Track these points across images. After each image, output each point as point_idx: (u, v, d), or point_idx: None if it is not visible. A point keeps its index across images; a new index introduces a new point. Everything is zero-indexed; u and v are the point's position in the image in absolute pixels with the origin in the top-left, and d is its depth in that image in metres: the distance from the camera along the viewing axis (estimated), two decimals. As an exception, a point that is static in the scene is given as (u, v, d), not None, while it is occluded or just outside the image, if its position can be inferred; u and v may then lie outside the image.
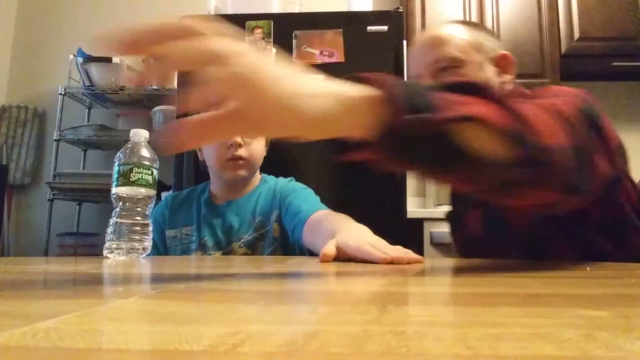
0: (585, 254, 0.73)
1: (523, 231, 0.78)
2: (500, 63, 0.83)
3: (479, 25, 0.88)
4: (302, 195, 1.05)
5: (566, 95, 0.62)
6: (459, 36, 0.81)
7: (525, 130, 0.43)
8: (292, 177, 1.16)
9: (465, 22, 0.86)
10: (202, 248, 1.03)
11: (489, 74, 0.81)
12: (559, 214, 0.60)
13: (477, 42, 0.82)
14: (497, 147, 0.42)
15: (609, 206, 0.71)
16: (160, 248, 1.06)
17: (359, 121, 0.40)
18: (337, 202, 1.51)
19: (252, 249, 1.03)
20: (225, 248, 1.03)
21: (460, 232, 0.94)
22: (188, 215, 1.08)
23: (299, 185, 1.11)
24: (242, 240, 1.03)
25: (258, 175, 1.14)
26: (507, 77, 0.83)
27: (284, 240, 1.04)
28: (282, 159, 1.51)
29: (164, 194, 1.26)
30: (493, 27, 2.07)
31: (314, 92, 0.38)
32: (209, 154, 1.07)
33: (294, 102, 0.37)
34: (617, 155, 0.67)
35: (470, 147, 0.42)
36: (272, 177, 1.15)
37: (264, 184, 1.11)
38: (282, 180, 1.13)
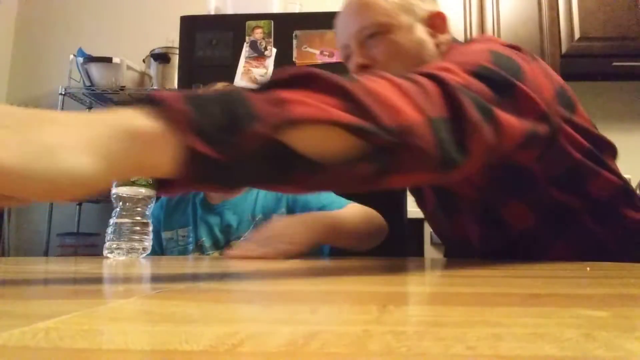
0: (545, 212, 0.69)
1: (473, 198, 0.74)
2: (434, 22, 0.76)
3: None
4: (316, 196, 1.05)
5: (471, 54, 0.58)
6: None
7: (367, 117, 0.38)
8: None
9: None
10: (200, 249, 1.03)
11: (422, 36, 0.74)
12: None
13: (406, 2, 0.75)
14: (341, 143, 0.38)
15: (555, 158, 0.66)
16: (157, 249, 1.06)
17: (148, 161, 0.31)
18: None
19: None
20: (224, 247, 1.03)
21: (424, 206, 0.91)
22: (184, 216, 1.08)
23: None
24: (242, 239, 1.03)
25: None
26: (443, 37, 0.76)
27: None
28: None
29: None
30: (493, 27, 2.07)
31: (65, 144, 0.27)
32: None
33: (33, 170, 0.26)
34: (551, 104, 0.62)
35: (307, 150, 0.37)
36: None
37: None
38: None
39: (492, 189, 0.70)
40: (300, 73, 0.39)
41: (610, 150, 0.72)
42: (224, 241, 1.04)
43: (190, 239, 1.04)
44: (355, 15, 0.75)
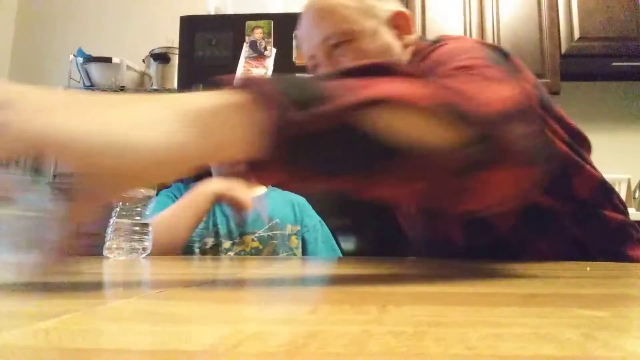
0: (527, 215, 0.65)
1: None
2: (398, 23, 0.73)
3: None
4: (330, 242, 1.12)
5: (473, 54, 0.55)
6: (344, 4, 0.70)
7: (460, 101, 0.35)
8: (303, 198, 1.18)
9: None
10: (215, 235, 1.04)
11: (388, 39, 0.72)
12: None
13: (366, 6, 0.71)
14: (430, 130, 0.35)
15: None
16: None
17: (230, 139, 0.30)
18: (337, 203, 1.51)
19: (264, 244, 1.04)
20: (236, 239, 1.04)
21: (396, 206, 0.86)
22: None
23: (318, 220, 1.15)
24: (256, 235, 1.04)
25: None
26: (409, 38, 0.74)
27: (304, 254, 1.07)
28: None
29: (164, 194, 1.26)
30: (493, 27, 2.07)
31: (141, 120, 0.27)
32: None
33: (114, 142, 0.25)
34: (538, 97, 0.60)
35: (394, 138, 0.33)
36: (276, 188, 1.18)
37: (272, 191, 1.15)
38: (297, 198, 1.17)
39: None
40: (374, 63, 0.37)
41: (587, 144, 0.69)
42: (237, 233, 1.05)
43: (207, 224, 1.05)
44: (317, 24, 0.72)
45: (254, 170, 0.33)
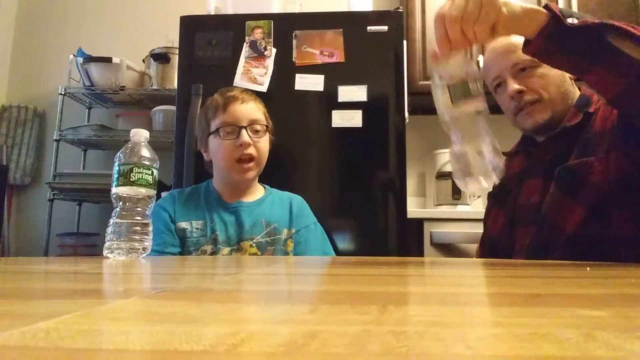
0: None
1: (597, 188, 0.82)
2: None
3: None
4: (321, 243, 1.14)
5: None
6: None
7: None
8: (302, 198, 1.19)
9: None
10: (214, 242, 1.03)
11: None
12: None
13: None
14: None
15: None
16: (175, 240, 1.04)
17: (533, 16, 0.68)
18: (338, 203, 1.51)
19: (262, 251, 1.04)
20: (235, 245, 1.04)
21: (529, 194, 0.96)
22: (198, 209, 1.08)
23: (313, 221, 1.16)
24: (254, 241, 1.04)
25: (260, 186, 1.16)
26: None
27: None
28: (283, 161, 1.51)
29: (164, 194, 1.26)
30: (493, 27, 2.07)
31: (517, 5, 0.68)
32: (217, 154, 1.08)
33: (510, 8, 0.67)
34: None
35: (619, 47, 0.63)
36: (275, 189, 1.18)
37: (270, 194, 1.14)
38: (296, 199, 1.17)
39: (618, 188, 0.80)
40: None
41: None
42: (235, 239, 1.04)
43: (205, 232, 1.04)
44: (508, 53, 0.95)
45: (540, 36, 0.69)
